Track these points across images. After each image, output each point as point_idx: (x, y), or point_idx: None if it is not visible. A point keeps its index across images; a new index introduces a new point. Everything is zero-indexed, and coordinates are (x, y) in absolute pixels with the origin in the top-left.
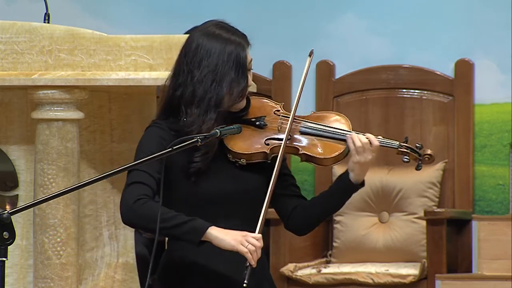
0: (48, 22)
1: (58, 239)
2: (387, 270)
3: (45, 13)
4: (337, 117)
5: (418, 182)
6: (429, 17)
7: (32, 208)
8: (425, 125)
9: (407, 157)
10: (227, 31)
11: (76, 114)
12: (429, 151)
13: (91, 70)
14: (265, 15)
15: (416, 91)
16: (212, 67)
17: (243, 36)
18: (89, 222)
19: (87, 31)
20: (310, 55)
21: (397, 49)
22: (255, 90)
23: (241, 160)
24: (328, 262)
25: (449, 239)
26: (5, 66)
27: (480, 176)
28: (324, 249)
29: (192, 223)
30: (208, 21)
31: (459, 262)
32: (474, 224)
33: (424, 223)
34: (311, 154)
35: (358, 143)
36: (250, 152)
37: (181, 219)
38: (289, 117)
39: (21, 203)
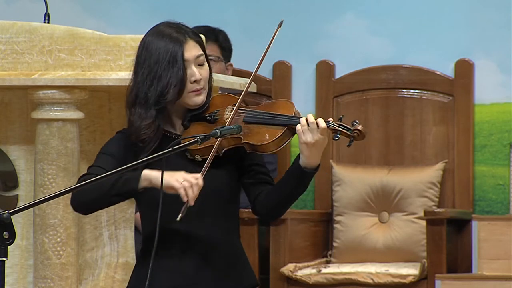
0: (48, 22)
1: (58, 239)
2: (387, 270)
3: (45, 13)
4: (283, 103)
5: (418, 182)
6: (429, 17)
7: (32, 208)
8: (425, 125)
9: (338, 135)
10: (171, 28)
11: (76, 114)
12: (359, 127)
13: (91, 70)
14: (265, 15)
15: (416, 91)
16: (152, 67)
17: (188, 32)
18: (89, 222)
19: (87, 31)
20: (279, 25)
21: (397, 49)
22: (255, 90)
23: (196, 156)
24: (328, 262)
25: (449, 239)
26: (5, 66)
27: (480, 176)
28: (324, 249)
29: (125, 176)
30: (161, 22)
31: (459, 262)
32: (474, 224)
33: (424, 223)
34: (250, 142)
35: (303, 122)
36: (200, 147)
37: (114, 179)
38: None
39: (21, 203)
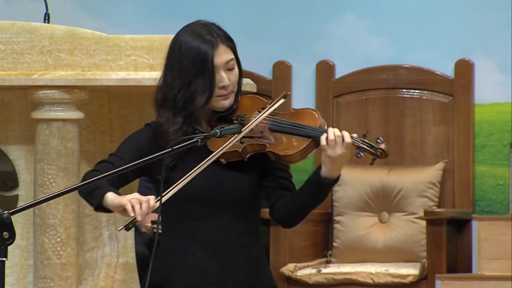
0: (48, 22)
1: (58, 239)
2: (387, 270)
3: (45, 13)
4: (309, 112)
5: (418, 182)
6: (429, 17)
7: (32, 208)
8: (425, 125)
9: (361, 153)
10: (204, 30)
11: (76, 114)
12: (382, 146)
13: (91, 70)
14: (265, 15)
15: (416, 91)
16: (182, 70)
17: (220, 35)
18: (89, 222)
19: (87, 31)
20: (285, 97)
21: (397, 49)
22: (255, 90)
23: (221, 159)
24: (328, 262)
25: (449, 239)
26: (5, 66)
27: (480, 176)
28: (324, 249)
29: (98, 190)
30: (198, 20)
31: (459, 262)
32: (474, 224)
33: (424, 223)
34: (275, 151)
35: (331, 136)
36: (226, 151)
37: (93, 187)
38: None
39: (21, 203)
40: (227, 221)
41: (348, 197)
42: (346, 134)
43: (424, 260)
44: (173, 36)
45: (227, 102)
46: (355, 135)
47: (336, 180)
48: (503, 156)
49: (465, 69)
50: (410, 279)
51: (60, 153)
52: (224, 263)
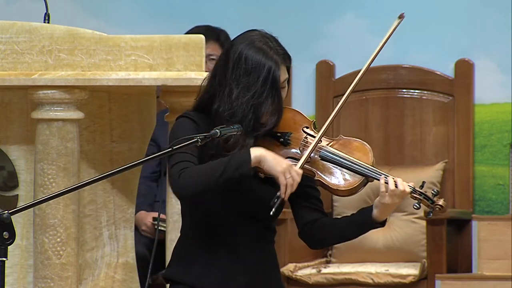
0: (48, 22)
1: (58, 239)
2: (387, 270)
3: (45, 13)
4: (361, 146)
5: (419, 182)
6: (429, 17)
7: (32, 208)
8: (425, 125)
9: (418, 204)
10: (269, 47)
11: (76, 114)
12: (441, 202)
13: (91, 70)
14: (265, 15)
15: (416, 91)
16: (251, 85)
17: (282, 54)
18: (89, 222)
19: (87, 31)
20: (400, 17)
21: (397, 49)
22: None
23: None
24: (328, 262)
25: (449, 239)
26: (5, 66)
27: (480, 176)
28: (324, 249)
29: (232, 160)
30: (255, 30)
31: (459, 262)
32: (474, 224)
33: (424, 223)
34: (325, 183)
35: (391, 185)
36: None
37: (223, 163)
38: (315, 137)
39: (21, 203)
40: (254, 231)
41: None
42: (405, 186)
43: (424, 260)
44: (173, 36)
45: (276, 120)
46: (412, 184)
47: (384, 223)
48: (503, 156)
49: (465, 69)
50: (410, 279)
51: (60, 153)
52: (241, 264)
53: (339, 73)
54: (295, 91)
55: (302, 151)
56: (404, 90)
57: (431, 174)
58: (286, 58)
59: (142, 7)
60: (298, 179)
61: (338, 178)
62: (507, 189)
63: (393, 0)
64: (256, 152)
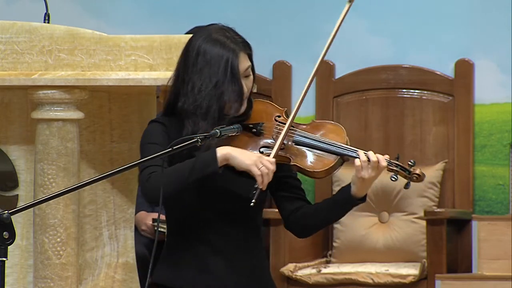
0: (48, 22)
1: (58, 239)
2: (387, 270)
3: (45, 13)
4: (334, 127)
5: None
6: (429, 17)
7: (32, 208)
8: (425, 125)
9: (395, 176)
10: (226, 37)
11: (76, 114)
12: (418, 171)
13: (91, 70)
14: (265, 15)
15: (416, 91)
16: (212, 77)
17: (241, 42)
18: (89, 222)
19: (87, 31)
20: (350, 1)
21: (397, 49)
22: (255, 90)
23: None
24: (328, 262)
25: (449, 239)
26: (5, 66)
27: (480, 176)
28: (324, 249)
29: (200, 158)
30: (212, 24)
31: (459, 262)
32: (474, 224)
33: (424, 223)
34: (301, 166)
35: (364, 158)
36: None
37: (190, 165)
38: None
39: (21, 203)
40: (235, 225)
41: None
42: (381, 159)
43: (424, 260)
44: (173, 36)
45: (242, 108)
46: (387, 156)
47: (364, 198)
48: (503, 156)
49: (465, 69)
50: (410, 279)
51: (60, 153)
52: (229, 265)
53: (339, 73)
54: (295, 91)
55: (275, 139)
56: (404, 90)
57: (431, 174)
58: (245, 46)
59: (142, 7)
60: (271, 167)
61: (313, 160)
62: (507, 189)
63: (393, 0)
64: (222, 151)
